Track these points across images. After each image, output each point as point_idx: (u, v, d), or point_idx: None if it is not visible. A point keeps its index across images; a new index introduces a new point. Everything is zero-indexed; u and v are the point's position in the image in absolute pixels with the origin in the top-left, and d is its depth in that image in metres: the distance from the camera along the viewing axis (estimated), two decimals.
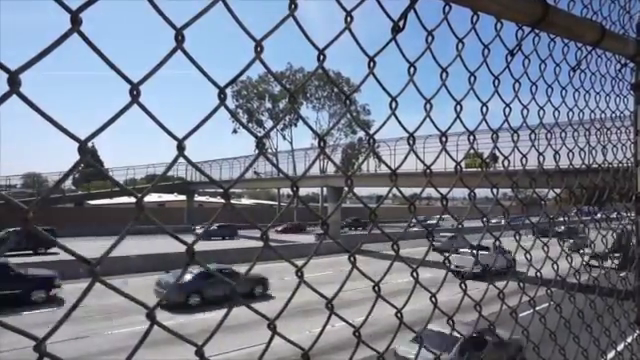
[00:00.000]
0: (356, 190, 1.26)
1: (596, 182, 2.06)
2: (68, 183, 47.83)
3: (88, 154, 0.65)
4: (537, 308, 1.69)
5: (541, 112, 1.73)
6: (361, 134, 54.02)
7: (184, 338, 0.87)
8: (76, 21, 0.62)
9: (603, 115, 2.15)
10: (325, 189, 44.27)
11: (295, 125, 55.98)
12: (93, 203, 50.58)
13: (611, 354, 2.19)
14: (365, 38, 1.11)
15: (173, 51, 0.75)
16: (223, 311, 0.90)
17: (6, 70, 0.57)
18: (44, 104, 0.62)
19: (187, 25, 0.76)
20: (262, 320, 0.98)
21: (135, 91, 0.71)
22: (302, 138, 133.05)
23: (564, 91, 1.84)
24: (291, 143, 56.33)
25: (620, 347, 2.27)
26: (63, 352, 0.60)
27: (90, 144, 0.70)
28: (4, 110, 0.59)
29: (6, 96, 0.57)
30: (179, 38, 0.75)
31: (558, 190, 1.93)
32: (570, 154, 1.96)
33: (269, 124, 57.63)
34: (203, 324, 14.22)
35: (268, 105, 57.46)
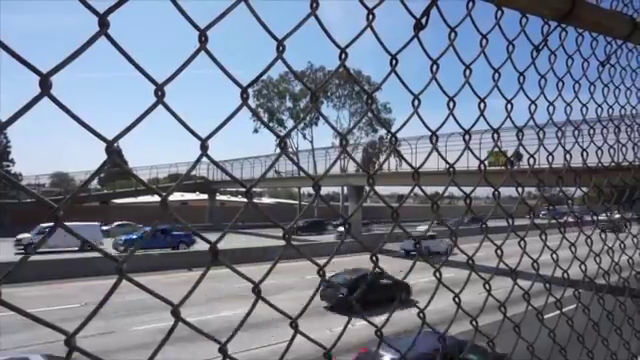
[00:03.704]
0: (376, 189, 1.26)
1: (626, 181, 2.00)
2: (94, 182, 49.12)
3: (115, 154, 0.66)
4: (564, 309, 1.65)
5: (568, 109, 1.68)
6: (381, 133, 53.67)
7: (208, 335, 0.88)
8: (104, 24, 0.63)
9: (634, 111, 2.08)
10: (345, 188, 44.15)
11: (316, 124, 56.03)
12: (118, 202, 51.75)
13: None
14: (384, 37, 1.10)
15: (197, 52, 0.75)
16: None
17: (38, 72, 0.59)
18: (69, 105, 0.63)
19: (210, 26, 0.76)
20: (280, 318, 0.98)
21: (160, 92, 0.72)
22: (322, 137, 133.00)
23: (592, 87, 1.79)
24: (311, 142, 56.28)
25: None
26: (90, 346, 0.61)
27: (116, 144, 0.71)
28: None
29: (38, 98, 0.59)
30: (202, 39, 0.75)
31: (586, 189, 1.88)
32: (599, 151, 1.91)
33: (289, 123, 57.77)
34: (225, 321, 14.37)
35: (289, 104, 57.63)
